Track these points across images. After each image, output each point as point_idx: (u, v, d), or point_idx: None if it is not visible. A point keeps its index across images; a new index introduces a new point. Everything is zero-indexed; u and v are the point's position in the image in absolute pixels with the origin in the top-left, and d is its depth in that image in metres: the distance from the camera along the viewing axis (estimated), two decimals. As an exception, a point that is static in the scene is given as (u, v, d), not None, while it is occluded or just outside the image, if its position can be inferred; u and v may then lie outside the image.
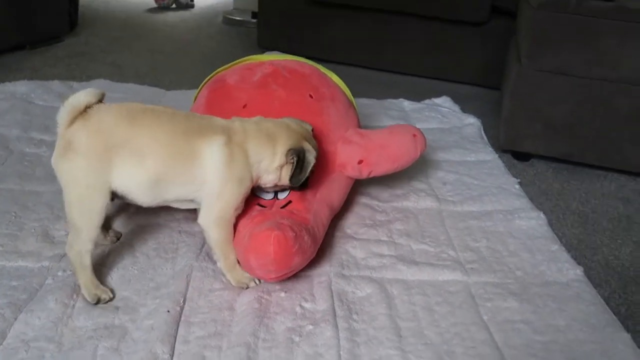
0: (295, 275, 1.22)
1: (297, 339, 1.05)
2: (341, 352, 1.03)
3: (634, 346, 1.11)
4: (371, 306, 1.16)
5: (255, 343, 1.03)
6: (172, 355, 0.98)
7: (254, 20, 3.52)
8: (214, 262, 1.22)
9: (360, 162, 1.42)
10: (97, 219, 1.10)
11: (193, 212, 1.39)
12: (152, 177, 1.10)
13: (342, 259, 1.30)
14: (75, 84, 2.20)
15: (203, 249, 1.28)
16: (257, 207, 1.23)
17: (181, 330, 1.04)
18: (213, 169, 1.13)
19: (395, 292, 1.21)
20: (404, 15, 2.70)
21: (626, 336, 1.13)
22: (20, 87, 2.08)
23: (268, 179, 1.21)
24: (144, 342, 1.00)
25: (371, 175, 1.45)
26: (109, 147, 1.08)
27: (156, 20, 3.55)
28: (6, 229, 1.29)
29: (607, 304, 1.25)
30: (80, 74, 2.39)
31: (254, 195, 1.25)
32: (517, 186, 1.71)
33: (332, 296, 1.17)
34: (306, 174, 1.23)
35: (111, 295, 1.12)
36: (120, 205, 1.39)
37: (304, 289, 1.19)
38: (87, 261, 1.11)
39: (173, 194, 1.15)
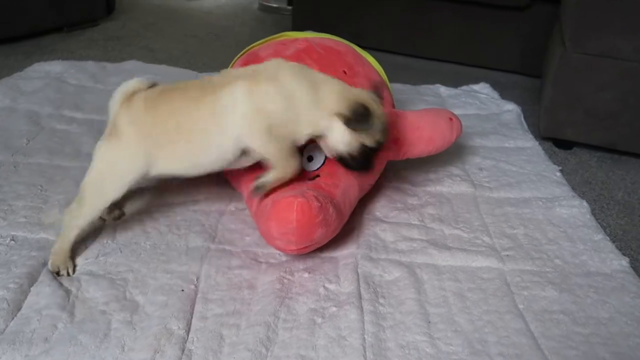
0: (320, 256, 1.18)
1: (319, 320, 1.01)
2: (365, 336, 0.98)
3: (683, 342, 1.03)
4: (399, 290, 1.10)
5: (275, 323, 0.99)
6: (187, 332, 0.95)
7: (290, 7, 3.48)
8: (232, 244, 1.19)
9: (395, 141, 1.36)
10: (107, 204, 1.11)
11: (206, 192, 1.37)
12: (191, 155, 1.09)
13: (370, 242, 1.24)
14: (108, 65, 2.19)
15: (218, 230, 1.24)
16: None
17: (198, 307, 1.01)
18: (239, 108, 1.07)
19: (425, 276, 1.15)
20: (441, 1, 2.62)
21: (675, 331, 1.05)
22: (55, 66, 2.09)
23: (303, 131, 1.11)
24: (159, 318, 0.97)
25: (405, 157, 1.39)
26: (144, 135, 1.08)
27: (192, 6, 3.54)
28: (31, 202, 1.28)
29: (655, 298, 1.16)
30: (114, 57, 2.39)
31: None
32: (558, 174, 1.62)
33: (357, 279, 1.12)
34: (374, 144, 1.13)
35: (71, 273, 1.09)
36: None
37: (328, 270, 1.14)
38: (73, 235, 1.11)
39: (215, 157, 1.11)
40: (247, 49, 1.53)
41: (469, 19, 2.61)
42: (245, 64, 1.44)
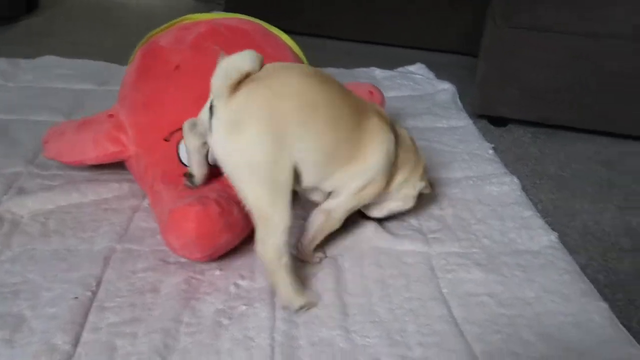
0: (236, 250, 1.10)
1: (226, 322, 0.93)
2: (275, 335, 0.90)
3: (611, 316, 0.99)
4: (317, 281, 1.04)
5: (176, 328, 0.90)
6: (75, 346, 0.85)
7: (226, -4, 3.37)
8: (141, 243, 1.10)
9: None
10: (290, 200, 0.93)
11: (123, 189, 1.28)
12: (327, 152, 0.95)
13: (293, 232, 1.17)
14: (22, 62, 2.05)
15: (129, 229, 1.15)
16: (184, 178, 1.09)
17: (92, 317, 0.91)
18: (375, 155, 1.01)
19: (346, 264, 1.08)
20: (376, -19, 2.56)
21: (603, 306, 1.01)
22: (-38, 66, 1.94)
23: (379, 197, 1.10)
24: (42, 333, 0.87)
25: None
26: (283, 118, 0.90)
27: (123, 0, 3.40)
28: None
29: (584, 272, 1.12)
30: (35, 54, 2.24)
31: (180, 164, 1.12)
32: (491, 151, 1.58)
33: (274, 273, 1.04)
34: None
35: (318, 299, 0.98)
36: (42, 184, 1.27)
37: (243, 265, 1.07)
38: (287, 258, 0.93)
39: (334, 175, 1.00)
40: (147, 36, 1.42)
41: (406, 1, 2.55)
42: (144, 55, 1.33)
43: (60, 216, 1.17)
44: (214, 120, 0.91)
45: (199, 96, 1.19)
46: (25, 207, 1.18)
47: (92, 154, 1.22)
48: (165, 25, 1.41)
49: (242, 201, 0.93)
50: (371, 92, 1.35)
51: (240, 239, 1.07)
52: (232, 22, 1.38)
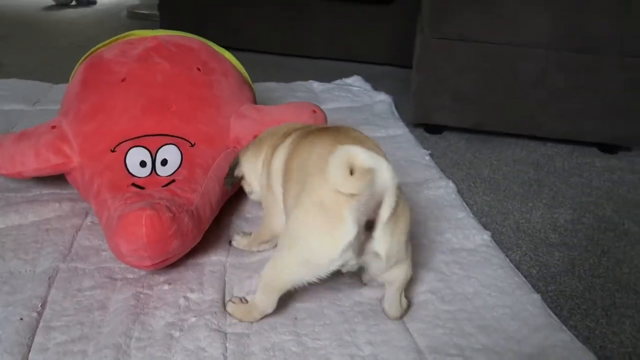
0: (184, 265, 1.10)
1: (177, 334, 0.93)
2: (227, 344, 0.92)
3: (543, 306, 1.06)
4: (267, 291, 1.05)
5: (127, 343, 0.90)
6: (22, 367, 0.84)
7: (160, 13, 3.35)
8: (85, 262, 1.09)
9: (255, 136, 1.31)
10: None
11: (64, 209, 1.26)
12: None
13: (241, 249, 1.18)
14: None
15: (73, 248, 1.13)
16: (132, 188, 1.09)
17: (38, 338, 0.90)
18: None
19: (293, 274, 1.10)
20: (311, -4, 2.62)
21: (536, 297, 1.08)
22: None
23: None
24: (-14, 356, 0.85)
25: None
26: None
27: (52, 17, 3.32)
28: None
29: (518, 267, 1.20)
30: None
31: (127, 174, 1.12)
32: (428, 157, 1.65)
33: (224, 287, 1.06)
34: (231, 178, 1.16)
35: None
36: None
37: (191, 279, 1.07)
38: None
39: None
40: (91, 50, 1.42)
41: (340, 15, 2.63)
42: (89, 67, 1.33)
43: (0, 239, 1.14)
44: None
45: (145, 106, 1.21)
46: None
47: (33, 165, 1.20)
48: (109, 40, 1.41)
49: None
50: (314, 111, 1.39)
51: (189, 248, 1.08)
52: (177, 39, 1.41)
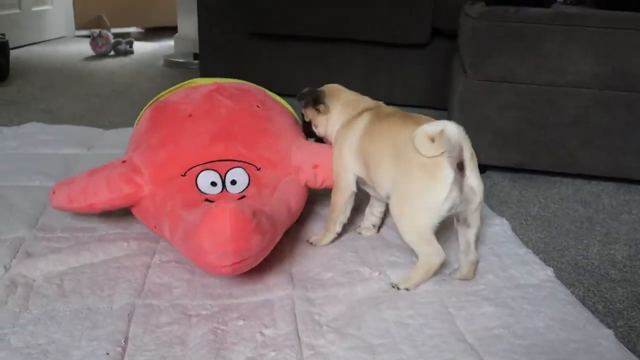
0: (254, 302, 1.12)
1: (259, 367, 0.94)
2: (310, 377, 0.93)
3: (617, 342, 1.05)
4: (340, 327, 1.06)
5: (212, 377, 0.91)
6: (116, 400, 0.85)
7: (196, 61, 3.47)
8: (159, 298, 1.11)
9: (315, 166, 1.36)
10: None
11: (132, 248, 1.29)
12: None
13: (305, 280, 1.20)
14: (5, 129, 2.06)
15: (145, 285, 1.16)
16: (206, 204, 1.14)
17: (126, 371, 0.92)
18: None
19: (364, 309, 1.11)
20: (346, 42, 2.70)
21: (608, 332, 1.07)
22: (-57, 136, 1.93)
23: None
24: (82, 389, 0.87)
25: (324, 185, 1.39)
26: None
27: (93, 67, 3.44)
28: None
29: (583, 302, 1.19)
30: (11, 122, 2.24)
31: (200, 193, 1.18)
32: (477, 196, 1.66)
33: (295, 320, 1.07)
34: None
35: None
36: (49, 247, 1.27)
37: (263, 315, 1.09)
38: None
39: None
40: (155, 98, 1.49)
41: (375, 58, 2.70)
42: (155, 109, 1.40)
43: (75, 277, 1.17)
44: None
45: (212, 135, 1.27)
46: (37, 269, 1.18)
47: (105, 196, 1.25)
48: (173, 87, 1.48)
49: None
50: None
51: (267, 251, 1.13)
52: (235, 84, 1.49)
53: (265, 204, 1.18)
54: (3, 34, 2.99)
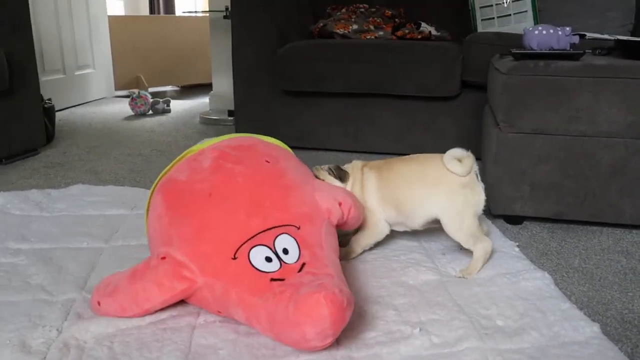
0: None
1: None
2: None
3: (673, 401, 1.02)
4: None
5: None
6: None
7: (231, 118, 3.58)
8: (206, 358, 1.13)
9: (340, 203, 1.42)
10: None
11: (177, 309, 1.32)
12: None
13: (349, 339, 1.21)
14: (53, 191, 2.15)
15: (192, 346, 1.18)
16: (275, 283, 1.16)
17: None
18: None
19: (407, 370, 1.11)
20: (377, 97, 2.77)
21: (662, 391, 1.05)
22: (-4, 199, 2.03)
23: None
24: None
25: (351, 215, 1.45)
26: None
27: (133, 127, 3.58)
28: (-20, 344, 1.18)
29: (632, 359, 1.17)
30: (57, 184, 2.34)
31: (261, 272, 1.19)
32: (517, 249, 1.66)
33: (342, 380, 1.08)
34: None
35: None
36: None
37: (314, 373, 1.09)
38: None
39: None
40: (160, 175, 1.44)
41: (406, 111, 2.76)
42: (167, 193, 1.35)
43: (123, 339, 1.20)
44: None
45: (245, 211, 1.28)
46: (88, 332, 1.22)
47: (159, 299, 1.24)
48: (167, 167, 1.44)
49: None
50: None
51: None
52: (233, 142, 1.46)
53: (326, 263, 1.21)
54: (49, 99, 3.15)
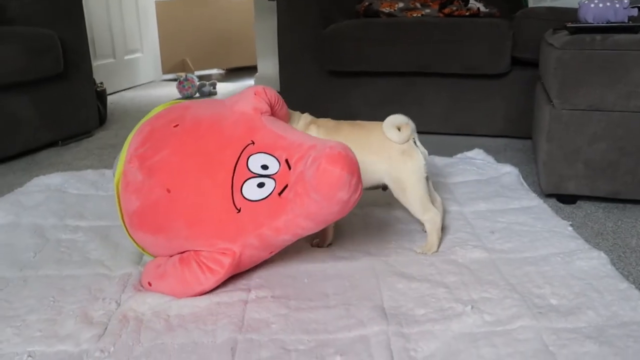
0: (350, 337, 1.14)
1: (361, 404, 0.96)
2: (412, 415, 0.93)
3: None
4: (436, 364, 1.06)
5: (316, 412, 0.94)
6: None
7: (276, 99, 3.59)
8: (258, 333, 1.16)
9: (255, 93, 1.36)
10: None
11: (228, 285, 1.34)
12: None
13: (399, 316, 1.21)
14: (107, 172, 2.21)
15: (245, 320, 1.20)
16: (284, 193, 1.20)
17: (234, 404, 0.96)
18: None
19: (461, 346, 1.11)
20: (424, 76, 2.73)
21: None
22: (54, 178, 2.11)
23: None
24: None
25: (269, 95, 1.38)
26: None
27: (181, 109, 3.64)
28: (45, 315, 1.24)
29: (695, 341, 1.13)
30: (110, 164, 2.41)
31: (263, 201, 1.22)
32: (570, 228, 1.62)
33: (391, 356, 1.08)
34: None
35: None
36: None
37: (360, 350, 1.10)
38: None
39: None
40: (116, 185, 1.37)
41: (454, 90, 2.71)
42: (141, 219, 1.31)
43: (179, 312, 1.24)
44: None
45: (203, 175, 1.26)
46: (146, 304, 1.26)
47: (211, 280, 1.28)
48: (118, 168, 1.36)
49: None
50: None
51: None
52: (132, 144, 1.37)
53: (299, 143, 1.24)
54: (101, 83, 3.24)
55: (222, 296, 1.30)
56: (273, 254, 1.32)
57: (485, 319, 1.19)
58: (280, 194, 1.20)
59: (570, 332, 1.14)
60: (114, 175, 1.37)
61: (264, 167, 1.23)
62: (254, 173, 1.23)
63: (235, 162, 1.25)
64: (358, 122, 1.61)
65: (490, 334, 1.14)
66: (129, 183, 1.30)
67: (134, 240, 1.37)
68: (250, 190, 1.22)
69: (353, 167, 1.14)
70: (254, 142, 1.27)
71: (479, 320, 1.19)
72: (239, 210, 1.23)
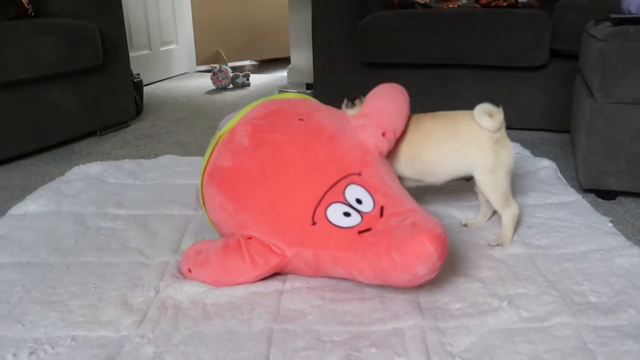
0: (384, 330, 1.15)
1: (396, 396, 0.96)
2: (447, 409, 0.93)
3: None
4: (472, 358, 1.06)
5: (351, 403, 0.94)
6: (264, 420, 0.91)
7: (309, 91, 3.61)
8: (294, 324, 1.17)
9: (383, 134, 1.41)
10: None
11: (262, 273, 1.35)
12: None
13: (434, 310, 1.21)
14: (144, 162, 2.25)
15: (280, 310, 1.22)
16: (365, 235, 1.19)
17: (270, 393, 0.97)
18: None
19: (497, 342, 1.10)
20: (460, 68, 2.69)
21: None
22: (94, 167, 2.16)
23: None
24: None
25: (397, 138, 1.45)
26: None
27: (215, 100, 3.68)
28: (87, 300, 1.27)
29: None
30: (147, 154, 2.46)
31: (346, 229, 1.21)
32: (610, 224, 1.58)
33: (427, 350, 1.08)
34: None
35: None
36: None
37: (395, 343, 1.10)
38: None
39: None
40: (203, 167, 1.43)
41: (490, 82, 2.67)
42: (222, 182, 1.34)
43: (216, 300, 1.26)
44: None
45: (304, 175, 1.29)
46: (183, 292, 1.28)
47: (253, 274, 1.29)
48: (208, 152, 1.43)
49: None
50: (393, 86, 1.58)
51: None
52: (257, 111, 1.42)
53: (402, 200, 1.23)
54: (138, 74, 3.29)
55: (258, 286, 1.31)
56: (316, 276, 1.32)
57: (522, 314, 1.18)
58: (360, 232, 1.21)
59: (610, 330, 1.12)
60: (218, 130, 1.45)
61: (359, 201, 1.25)
62: (347, 201, 1.25)
63: (335, 181, 1.28)
64: (439, 113, 1.56)
65: (527, 330, 1.13)
66: (232, 142, 1.37)
67: (202, 195, 1.41)
68: (335, 213, 1.24)
69: (443, 253, 1.13)
70: (361, 174, 1.30)
71: (516, 316, 1.17)
72: (314, 224, 1.25)
